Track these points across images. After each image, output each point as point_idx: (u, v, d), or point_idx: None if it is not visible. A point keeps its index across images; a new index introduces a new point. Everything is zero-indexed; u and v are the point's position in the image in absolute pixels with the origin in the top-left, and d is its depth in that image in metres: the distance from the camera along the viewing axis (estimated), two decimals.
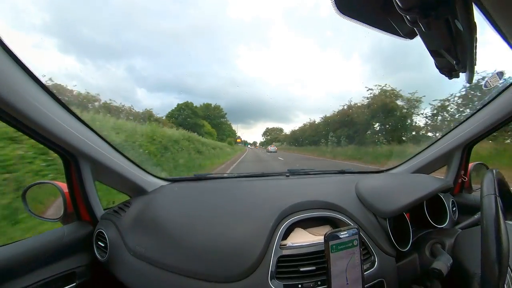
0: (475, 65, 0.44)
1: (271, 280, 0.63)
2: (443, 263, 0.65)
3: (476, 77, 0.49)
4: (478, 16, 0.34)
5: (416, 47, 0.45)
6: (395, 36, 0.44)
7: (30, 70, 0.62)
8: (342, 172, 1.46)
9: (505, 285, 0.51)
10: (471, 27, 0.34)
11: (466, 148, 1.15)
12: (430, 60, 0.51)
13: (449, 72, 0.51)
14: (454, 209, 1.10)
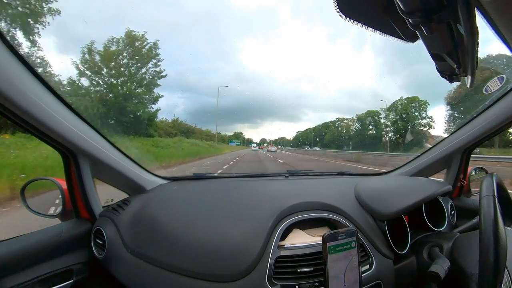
0: (476, 69, 0.44)
1: (268, 280, 0.63)
2: (440, 267, 0.65)
3: None
4: (480, 21, 0.34)
5: None
6: (397, 39, 0.44)
7: (31, 66, 0.62)
8: (341, 173, 1.46)
9: (502, 285, 0.51)
10: (473, 31, 0.34)
11: (466, 152, 1.16)
12: None
13: (450, 76, 0.52)
14: (452, 212, 1.11)
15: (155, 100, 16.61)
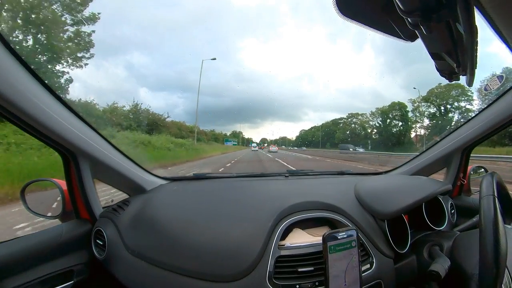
0: (476, 68, 0.44)
1: (269, 280, 0.63)
2: (441, 266, 0.65)
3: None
4: (479, 19, 0.34)
5: None
6: (396, 38, 0.44)
7: (30, 67, 0.62)
8: (341, 173, 1.46)
9: (502, 286, 0.51)
10: (472, 30, 0.34)
11: (466, 151, 1.16)
12: None
13: (450, 75, 0.52)
14: (452, 211, 1.11)
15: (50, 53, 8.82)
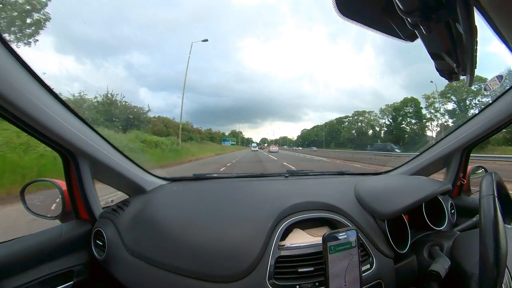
0: (475, 68, 0.44)
1: (269, 280, 0.63)
2: (441, 265, 0.66)
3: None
4: (478, 20, 0.34)
5: None
6: (396, 38, 0.44)
7: (30, 68, 0.62)
8: (341, 173, 1.47)
9: (503, 285, 0.51)
10: (472, 30, 0.34)
11: (465, 151, 1.16)
12: None
13: (449, 75, 0.52)
14: (452, 211, 1.11)
15: None
